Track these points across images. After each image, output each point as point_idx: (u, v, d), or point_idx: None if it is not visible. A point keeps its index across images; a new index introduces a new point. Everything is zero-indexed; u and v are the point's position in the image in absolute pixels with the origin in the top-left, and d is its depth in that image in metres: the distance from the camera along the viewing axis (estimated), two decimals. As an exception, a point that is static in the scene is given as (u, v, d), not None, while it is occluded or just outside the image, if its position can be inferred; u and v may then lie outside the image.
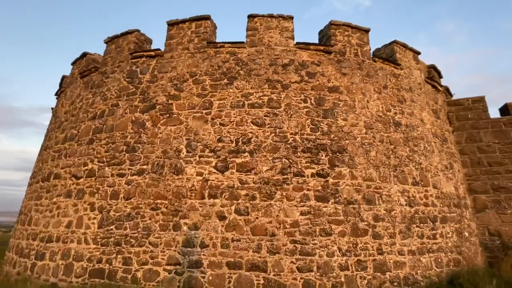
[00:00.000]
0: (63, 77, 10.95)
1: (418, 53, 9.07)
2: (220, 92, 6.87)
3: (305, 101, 6.79)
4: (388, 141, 7.04)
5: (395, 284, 5.75)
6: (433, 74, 9.71)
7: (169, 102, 7.03)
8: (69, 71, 10.15)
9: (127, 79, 7.70)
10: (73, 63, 9.94)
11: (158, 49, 7.70)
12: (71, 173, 7.30)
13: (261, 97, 6.74)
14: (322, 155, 6.34)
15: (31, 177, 9.24)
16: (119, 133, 7.06)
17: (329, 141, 6.51)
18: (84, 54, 9.44)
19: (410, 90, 8.21)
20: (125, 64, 7.97)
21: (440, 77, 10.07)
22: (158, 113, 6.98)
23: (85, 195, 6.75)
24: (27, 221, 7.78)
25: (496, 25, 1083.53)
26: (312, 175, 6.14)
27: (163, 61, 7.59)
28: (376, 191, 6.38)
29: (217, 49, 7.37)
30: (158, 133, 6.75)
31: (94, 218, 6.39)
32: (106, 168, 6.79)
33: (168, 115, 6.89)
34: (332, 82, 7.15)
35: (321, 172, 6.19)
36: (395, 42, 8.56)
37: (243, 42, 7.31)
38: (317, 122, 6.64)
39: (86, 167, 7.10)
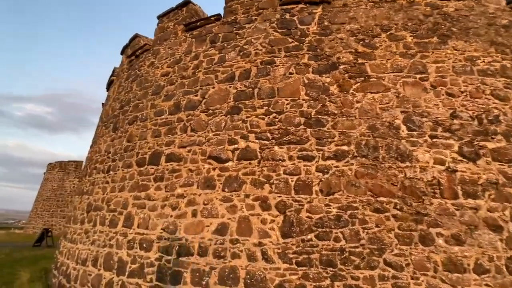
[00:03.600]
0: (135, 36, 8.57)
1: None
2: (433, 52, 5.01)
3: (543, 74, 5.12)
4: None
5: None
6: None
7: (359, 61, 5.04)
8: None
9: (279, 30, 5.61)
10: (163, 16, 7.62)
11: (325, -6, 5.72)
12: (205, 153, 5.03)
13: (491, 63, 4.96)
14: None
15: (104, 161, 6.75)
16: (286, 100, 4.94)
17: None
18: (186, 2, 7.19)
19: None
20: (271, 12, 5.88)
21: None
22: (346, 75, 4.96)
23: (245, 186, 4.53)
24: (123, 221, 5.34)
25: None
26: None
27: (333, 9, 5.61)
28: None
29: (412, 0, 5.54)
30: (354, 102, 4.73)
31: (272, 221, 4.19)
32: (276, 148, 4.63)
33: (362, 78, 4.90)
34: (558, 55, 5.55)
35: None
36: None
37: (447, -7, 5.55)
38: None
39: (234, 146, 4.89)
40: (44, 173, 28.41)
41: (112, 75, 9.64)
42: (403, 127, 4.48)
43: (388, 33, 5.23)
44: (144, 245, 4.84)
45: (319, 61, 5.16)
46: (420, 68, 4.89)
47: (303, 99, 4.89)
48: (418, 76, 4.83)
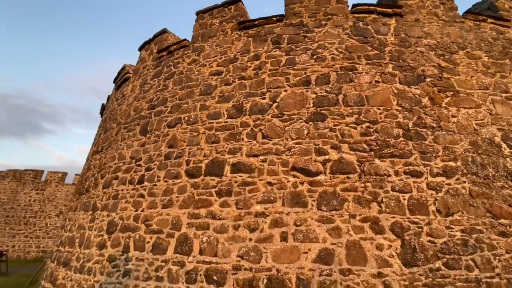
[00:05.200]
0: (163, 31, 7.68)
1: None
2: (510, 73, 5.07)
3: None
4: None
5: None
6: None
7: (444, 75, 4.88)
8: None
9: (354, 37, 5.29)
10: (204, 12, 6.89)
11: (398, 6, 5.60)
12: (286, 164, 4.30)
13: (559, 89, 5.18)
14: None
15: (132, 169, 5.56)
16: (379, 109, 4.51)
17: None
18: (236, 0, 6.60)
19: None
20: (342, 18, 5.58)
21: None
22: (435, 88, 4.74)
23: (347, 204, 3.87)
24: (175, 246, 4.23)
25: None
26: None
27: (407, 22, 5.49)
28: None
29: (478, 22, 5.67)
30: (450, 116, 4.48)
31: (390, 247, 3.56)
32: (378, 161, 4.10)
33: (451, 92, 4.71)
34: None
35: None
36: None
37: (508, 20, 5.81)
38: None
39: (324, 157, 4.25)
40: (-11, 184, 23.93)
41: (123, 73, 8.44)
42: (504, 145, 4.32)
43: (465, 51, 5.23)
44: (214, 277, 3.81)
45: (404, 72, 4.90)
46: (503, 87, 4.89)
47: (396, 110, 4.52)
48: (504, 95, 4.81)
